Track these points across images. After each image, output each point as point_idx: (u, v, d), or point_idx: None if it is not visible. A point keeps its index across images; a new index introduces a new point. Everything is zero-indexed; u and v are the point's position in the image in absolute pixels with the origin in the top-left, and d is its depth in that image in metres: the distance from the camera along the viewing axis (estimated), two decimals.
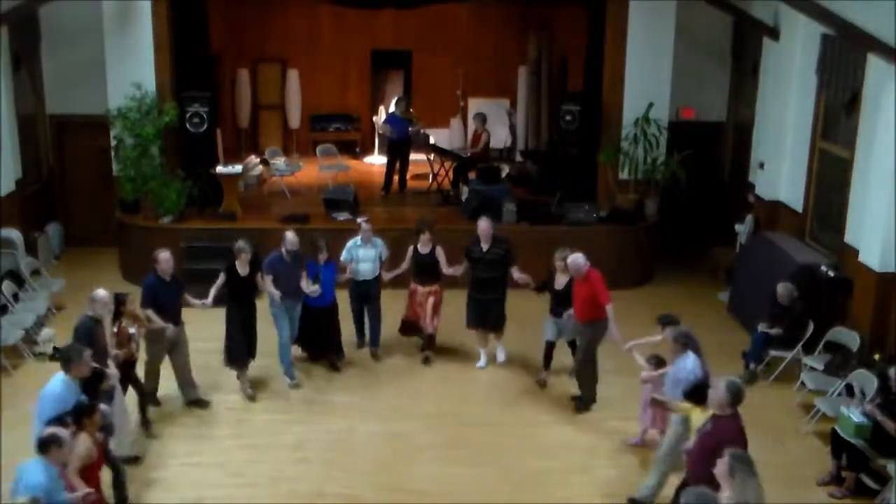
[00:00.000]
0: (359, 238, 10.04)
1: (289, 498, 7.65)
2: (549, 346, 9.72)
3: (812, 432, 8.84)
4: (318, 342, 10.06)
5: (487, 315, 10.00)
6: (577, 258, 8.98)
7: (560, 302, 9.42)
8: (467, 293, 10.08)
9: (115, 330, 8.17)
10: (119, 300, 8.24)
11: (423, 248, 10.01)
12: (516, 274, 9.77)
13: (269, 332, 9.64)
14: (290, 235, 9.52)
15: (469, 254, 9.95)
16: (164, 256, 8.78)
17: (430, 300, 10.06)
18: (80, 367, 7.00)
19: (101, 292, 7.97)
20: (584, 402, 9.27)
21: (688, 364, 7.36)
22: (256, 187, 14.92)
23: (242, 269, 9.19)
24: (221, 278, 9.20)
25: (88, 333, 7.71)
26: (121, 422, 7.82)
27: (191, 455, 8.30)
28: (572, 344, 9.61)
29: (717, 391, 6.25)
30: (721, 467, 5.45)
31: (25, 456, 8.02)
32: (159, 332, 8.66)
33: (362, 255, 10.00)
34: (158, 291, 8.70)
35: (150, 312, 8.59)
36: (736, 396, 6.24)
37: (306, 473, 8.03)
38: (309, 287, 9.52)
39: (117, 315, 8.23)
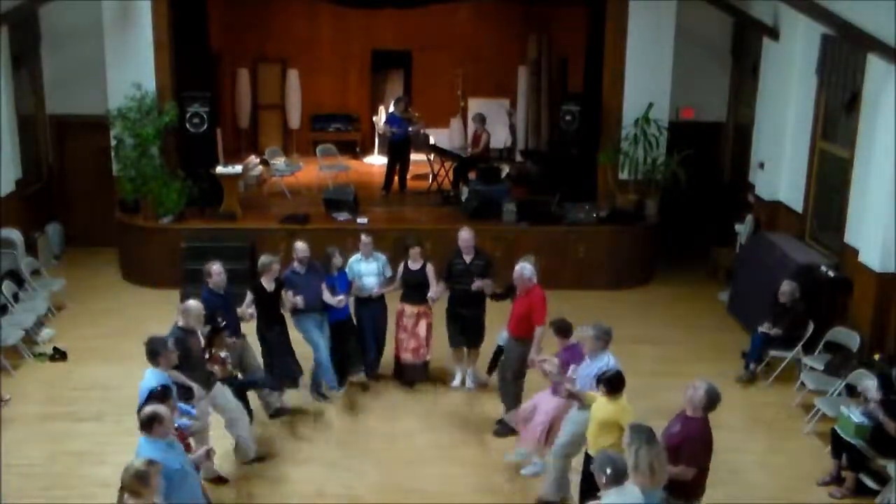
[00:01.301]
0: (359, 253, 9.58)
1: (289, 498, 7.65)
2: (499, 352, 9.11)
3: (812, 432, 8.84)
4: (338, 359, 9.41)
5: (468, 331, 9.47)
6: (523, 268, 8.46)
7: None
8: (446, 309, 9.53)
9: (208, 356, 7.82)
10: (214, 330, 7.93)
11: (414, 265, 9.45)
12: (477, 282, 9.21)
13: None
14: (299, 244, 9.16)
15: (451, 267, 9.40)
16: (217, 269, 8.48)
17: (423, 323, 9.48)
18: (168, 357, 6.92)
19: (194, 303, 7.65)
20: (505, 424, 8.70)
21: (610, 362, 7.10)
22: (256, 187, 14.92)
23: (269, 284, 8.83)
24: (249, 296, 8.79)
25: (181, 343, 7.34)
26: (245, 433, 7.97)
27: None
28: (499, 352, 9.15)
29: (697, 392, 6.20)
30: (624, 439, 5.71)
31: (24, 455, 8.08)
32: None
33: (364, 269, 9.47)
34: (215, 307, 8.27)
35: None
36: (712, 402, 6.21)
37: (306, 473, 8.03)
38: (334, 298, 9.10)
39: (209, 343, 7.87)
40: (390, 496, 7.71)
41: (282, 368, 8.93)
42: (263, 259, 8.93)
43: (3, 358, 9.70)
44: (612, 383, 6.58)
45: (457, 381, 9.73)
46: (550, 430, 7.68)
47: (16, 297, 10.70)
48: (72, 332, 10.80)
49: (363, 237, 9.63)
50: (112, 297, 12.12)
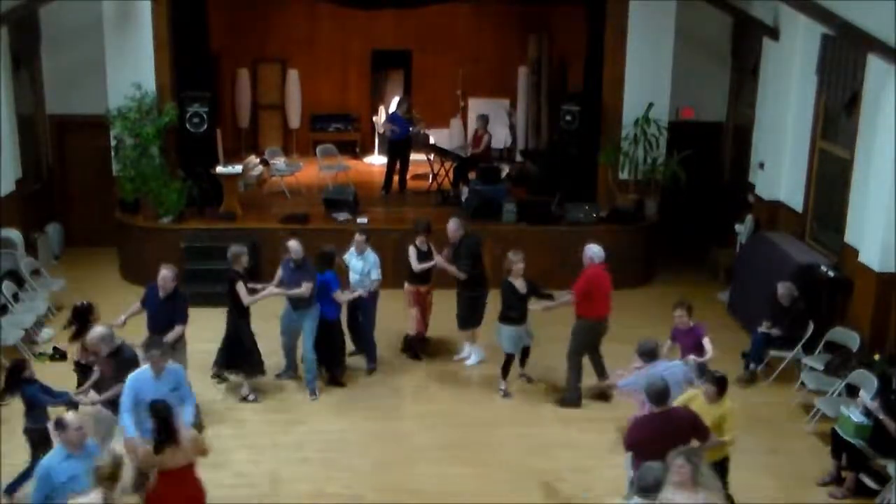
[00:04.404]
0: (353, 248, 9.92)
1: (289, 498, 7.65)
2: (511, 359, 9.51)
3: (812, 432, 8.85)
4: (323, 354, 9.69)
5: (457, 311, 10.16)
6: (585, 250, 9.21)
7: (519, 307, 9.19)
8: None
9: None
10: (87, 309, 8.26)
11: (423, 246, 10.03)
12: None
13: (264, 335, 9.60)
14: (293, 244, 9.30)
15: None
16: (162, 274, 8.63)
17: (430, 297, 10.23)
18: None
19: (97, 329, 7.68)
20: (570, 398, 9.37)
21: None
22: (256, 187, 14.92)
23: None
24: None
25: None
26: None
27: None
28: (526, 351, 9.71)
29: None
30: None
31: (24, 455, 8.08)
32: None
33: (353, 265, 9.85)
34: (149, 300, 8.71)
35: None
36: (648, 396, 6.58)
37: (306, 473, 8.03)
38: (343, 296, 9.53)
39: (86, 325, 8.02)
40: (390, 496, 7.71)
41: (254, 357, 9.26)
42: (237, 249, 9.10)
43: (3, 358, 9.70)
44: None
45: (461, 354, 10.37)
46: None
47: (16, 297, 10.71)
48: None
49: (357, 236, 9.91)
50: (112, 297, 12.07)
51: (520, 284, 9.14)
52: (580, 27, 14.47)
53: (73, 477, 5.84)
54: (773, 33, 12.48)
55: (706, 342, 8.33)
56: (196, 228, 12.49)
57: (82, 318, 8.17)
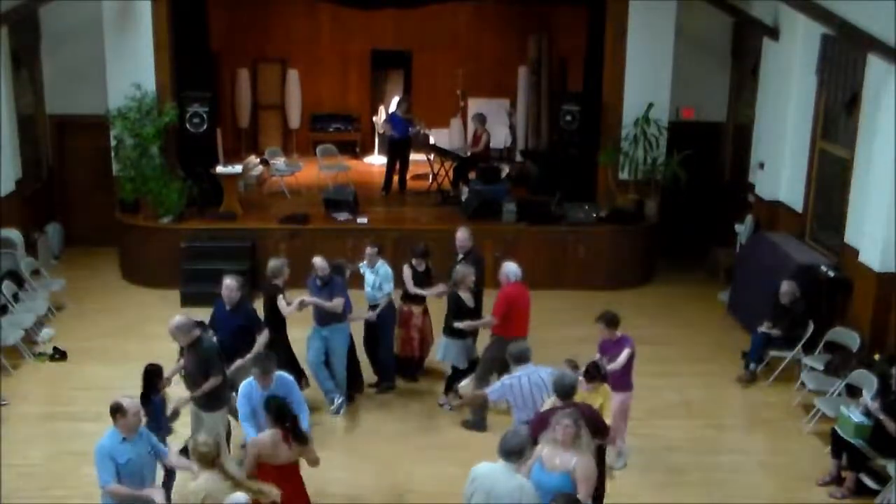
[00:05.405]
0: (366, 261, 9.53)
1: None
2: (458, 373, 9.16)
3: (812, 432, 8.84)
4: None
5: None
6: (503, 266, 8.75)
7: (465, 321, 8.86)
8: None
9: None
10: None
11: (420, 267, 9.49)
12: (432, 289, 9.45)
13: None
14: (318, 261, 8.88)
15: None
16: (226, 283, 8.17)
17: (427, 320, 9.67)
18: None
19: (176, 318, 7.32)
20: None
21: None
22: (256, 187, 14.92)
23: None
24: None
25: None
26: None
27: None
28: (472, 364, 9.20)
29: None
30: None
31: (24, 455, 8.09)
32: None
33: (366, 278, 9.41)
34: (216, 315, 8.27)
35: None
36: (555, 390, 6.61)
37: (307, 473, 7.98)
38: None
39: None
40: (390, 496, 7.71)
41: (298, 374, 8.74)
42: (278, 262, 8.81)
43: (3, 358, 9.71)
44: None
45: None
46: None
47: (16, 297, 10.70)
48: (72, 332, 10.80)
49: (368, 248, 9.45)
50: (112, 297, 12.12)
51: (467, 298, 8.88)
52: (580, 27, 14.47)
53: (129, 459, 5.97)
54: (773, 33, 12.48)
55: (623, 354, 7.82)
56: (196, 228, 12.48)
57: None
